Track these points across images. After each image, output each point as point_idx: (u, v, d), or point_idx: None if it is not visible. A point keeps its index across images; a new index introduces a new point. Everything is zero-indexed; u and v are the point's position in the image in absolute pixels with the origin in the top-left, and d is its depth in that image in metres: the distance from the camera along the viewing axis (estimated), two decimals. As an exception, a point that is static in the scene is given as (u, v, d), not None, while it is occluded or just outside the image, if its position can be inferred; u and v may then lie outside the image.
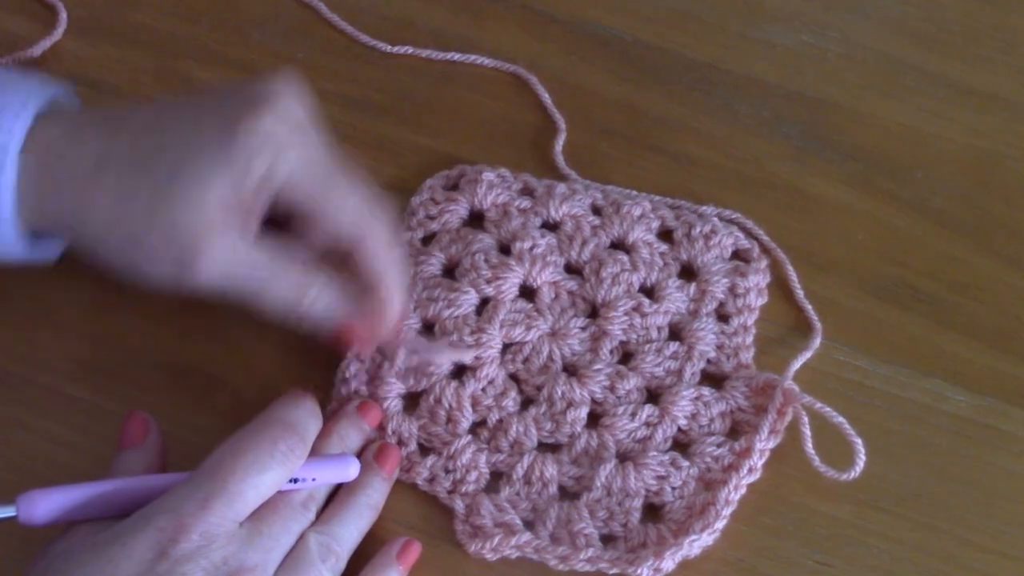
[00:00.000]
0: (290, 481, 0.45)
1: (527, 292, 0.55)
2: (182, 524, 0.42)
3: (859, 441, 0.50)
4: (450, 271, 0.56)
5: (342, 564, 0.46)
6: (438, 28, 0.64)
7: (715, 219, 0.57)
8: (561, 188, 0.57)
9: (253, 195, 0.46)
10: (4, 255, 0.48)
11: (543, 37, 0.64)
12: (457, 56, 0.63)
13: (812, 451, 0.50)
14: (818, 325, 0.55)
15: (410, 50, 0.63)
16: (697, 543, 0.48)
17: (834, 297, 0.56)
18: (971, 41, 0.65)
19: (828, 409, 0.50)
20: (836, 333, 0.55)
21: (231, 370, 0.53)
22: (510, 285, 0.54)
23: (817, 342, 0.54)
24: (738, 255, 0.57)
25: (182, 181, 0.45)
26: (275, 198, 0.47)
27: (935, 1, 0.67)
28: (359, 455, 0.49)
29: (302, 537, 0.45)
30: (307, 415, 0.47)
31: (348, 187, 0.48)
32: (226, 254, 0.46)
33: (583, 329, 0.54)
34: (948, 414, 0.53)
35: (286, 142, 0.46)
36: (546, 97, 0.61)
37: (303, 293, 0.48)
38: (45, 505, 0.43)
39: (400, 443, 0.51)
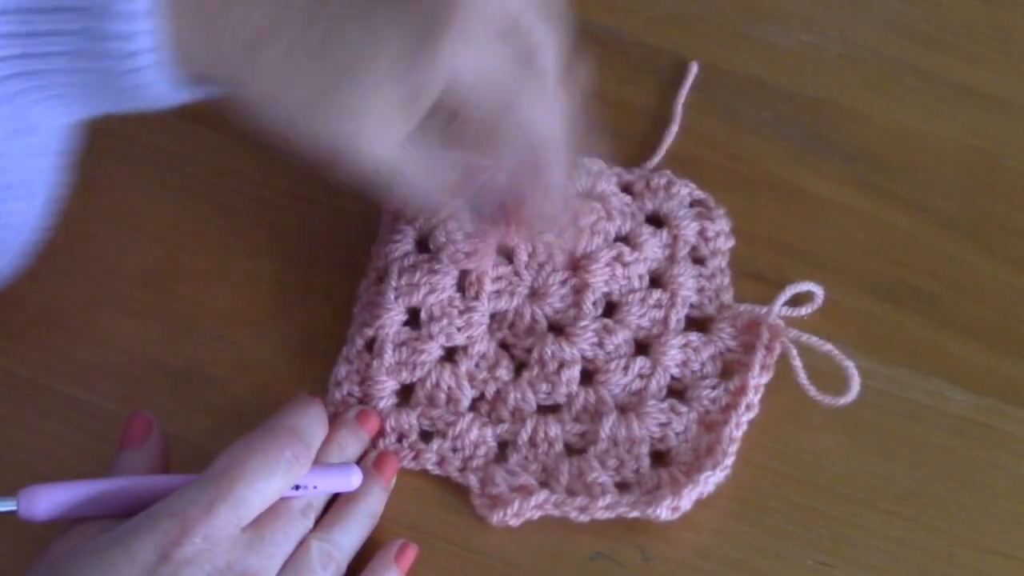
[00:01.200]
0: (292, 488, 0.45)
1: (505, 256, 0.54)
2: (186, 527, 0.42)
3: (851, 364, 0.51)
4: (423, 244, 0.55)
5: (342, 571, 0.46)
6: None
7: (668, 172, 0.57)
8: None
9: (425, 104, 0.44)
10: (153, 99, 0.43)
11: (543, 37, 0.64)
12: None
13: (805, 381, 0.51)
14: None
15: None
16: (712, 479, 0.49)
17: (834, 297, 0.56)
18: (971, 41, 0.65)
19: (815, 339, 0.51)
20: (836, 333, 0.55)
21: (229, 371, 0.53)
22: (488, 248, 0.53)
23: (809, 287, 0.54)
24: (696, 205, 0.57)
25: (358, 80, 0.42)
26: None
27: (935, 1, 0.66)
28: (358, 463, 0.49)
29: (303, 543, 0.45)
30: (314, 422, 0.47)
31: (530, 103, 0.45)
32: (386, 148, 0.44)
33: (563, 284, 0.54)
34: (948, 414, 0.53)
35: (468, 61, 0.43)
36: None
37: (446, 203, 0.48)
38: (47, 501, 0.43)
39: (401, 437, 0.51)
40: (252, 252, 0.55)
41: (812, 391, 0.51)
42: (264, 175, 0.58)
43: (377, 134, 0.44)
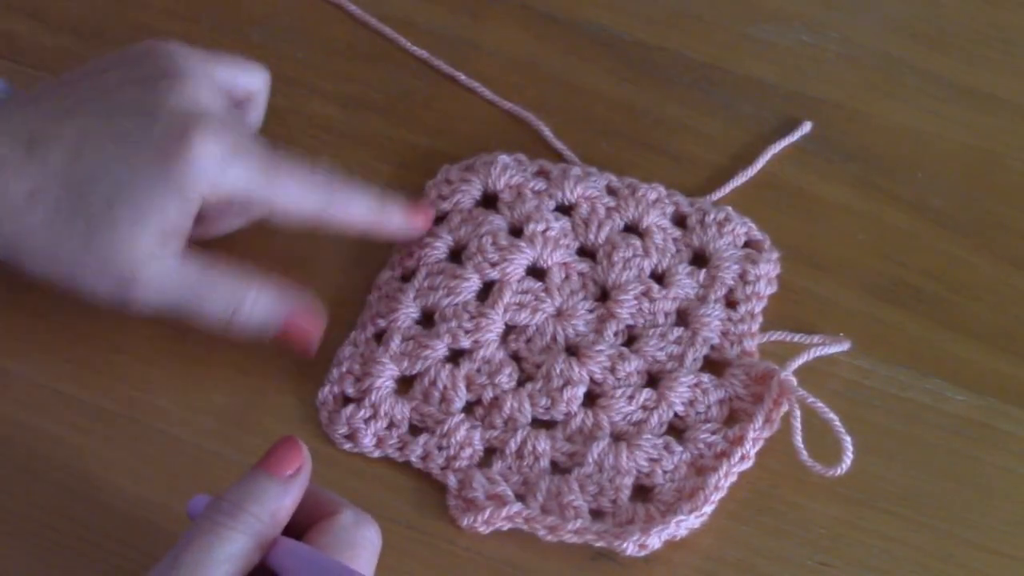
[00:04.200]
0: None
1: (537, 273, 0.55)
2: None
3: (848, 438, 0.50)
4: (457, 255, 0.56)
5: None
6: (438, 28, 0.64)
7: (729, 208, 0.57)
8: (576, 170, 0.57)
9: (190, 215, 0.47)
10: None
11: (543, 37, 0.64)
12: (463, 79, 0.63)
13: (800, 444, 0.50)
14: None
15: (425, 53, 0.63)
16: (684, 524, 0.48)
17: (834, 297, 0.56)
18: (971, 41, 0.65)
19: (820, 404, 0.50)
20: (836, 333, 0.55)
21: (227, 371, 0.53)
22: (516, 267, 0.54)
23: (836, 349, 0.54)
24: (750, 245, 0.57)
25: (119, 213, 0.46)
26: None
27: (935, 1, 0.66)
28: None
29: None
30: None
31: (292, 176, 0.49)
32: (162, 277, 0.47)
33: (590, 311, 0.54)
34: (948, 414, 0.53)
35: (222, 162, 0.47)
36: (546, 132, 0.61)
37: (240, 301, 0.48)
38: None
39: (391, 425, 0.51)
40: (252, 252, 0.54)
41: (804, 455, 0.50)
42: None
43: (149, 265, 0.47)
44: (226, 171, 0.47)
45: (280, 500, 0.41)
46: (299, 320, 0.50)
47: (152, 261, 0.47)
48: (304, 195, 0.49)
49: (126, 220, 0.46)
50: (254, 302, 0.49)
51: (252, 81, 0.53)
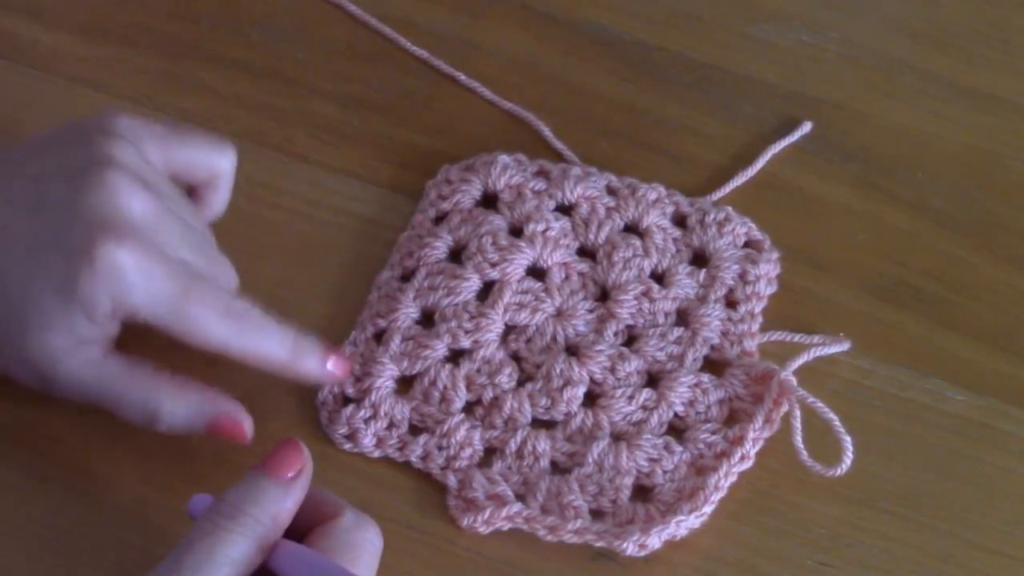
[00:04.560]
0: None
1: (537, 273, 0.55)
2: None
3: (848, 439, 0.50)
4: (457, 254, 0.56)
5: None
6: (438, 28, 0.64)
7: (729, 208, 0.57)
8: (576, 170, 0.57)
9: (101, 326, 0.46)
10: None
11: (543, 37, 0.64)
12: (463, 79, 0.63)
13: (800, 445, 0.50)
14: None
15: (425, 53, 0.63)
16: (684, 524, 0.48)
17: (834, 297, 0.56)
18: (971, 41, 0.65)
19: (820, 404, 0.50)
20: (835, 333, 0.55)
21: (227, 371, 0.53)
22: (516, 267, 0.54)
23: (836, 349, 0.54)
24: (750, 245, 0.57)
25: (29, 319, 0.45)
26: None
27: (935, 1, 0.67)
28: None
29: None
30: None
31: (204, 303, 0.46)
32: (80, 377, 0.46)
33: (590, 311, 0.54)
34: (948, 414, 0.53)
35: (127, 281, 0.44)
36: (546, 132, 0.61)
37: (156, 407, 0.47)
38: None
39: (391, 425, 0.51)
40: (252, 252, 0.54)
41: (804, 456, 0.50)
42: (263, 174, 0.58)
43: (66, 363, 0.46)
44: (131, 291, 0.44)
45: (281, 503, 0.41)
46: (223, 421, 0.48)
47: (68, 360, 0.46)
48: (214, 326, 0.46)
49: (35, 326, 0.45)
50: (171, 410, 0.47)
51: (217, 163, 0.51)
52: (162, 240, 0.46)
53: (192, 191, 0.51)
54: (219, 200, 0.52)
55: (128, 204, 0.45)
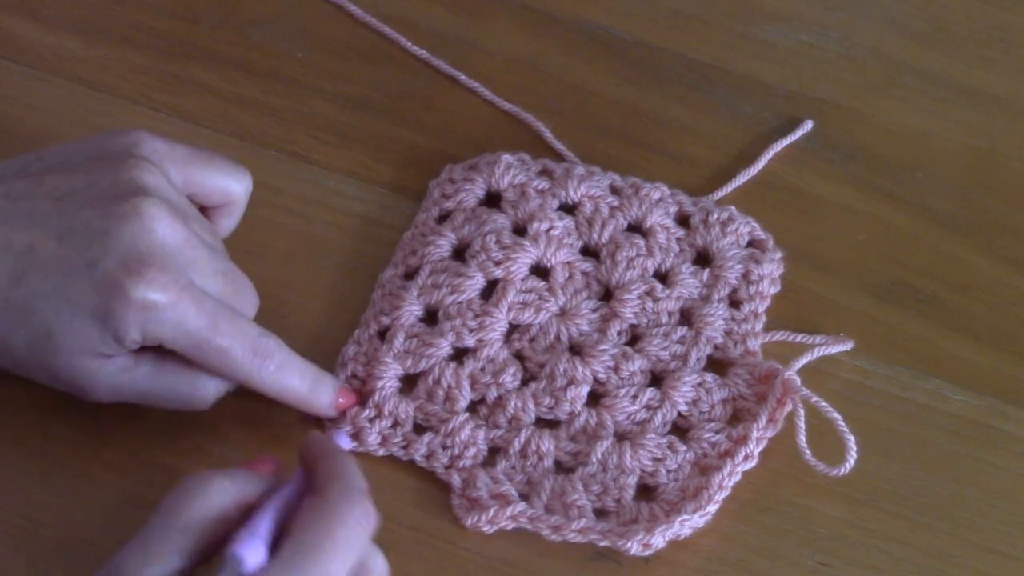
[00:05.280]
0: None
1: (541, 272, 0.55)
2: None
3: (851, 438, 0.50)
4: (460, 253, 0.56)
5: None
6: (438, 28, 0.64)
7: (732, 208, 0.57)
8: (580, 169, 0.57)
9: (129, 347, 0.46)
10: None
11: (543, 37, 0.64)
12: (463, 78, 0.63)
13: (804, 444, 0.50)
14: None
15: (425, 53, 0.63)
16: (688, 523, 0.49)
17: (834, 297, 0.56)
18: (971, 41, 0.65)
19: (824, 404, 0.50)
20: (836, 333, 0.55)
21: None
22: (519, 266, 0.54)
23: (839, 349, 0.54)
24: (753, 245, 0.57)
25: (59, 343, 0.45)
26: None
27: (935, 1, 0.67)
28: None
29: None
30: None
31: (231, 338, 0.47)
32: (113, 381, 0.47)
33: (594, 311, 0.54)
34: (948, 414, 0.53)
35: (157, 314, 0.45)
36: (546, 132, 0.61)
37: (192, 393, 0.48)
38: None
39: (396, 424, 0.51)
40: (253, 252, 0.54)
41: (808, 455, 0.50)
42: (263, 174, 0.58)
43: (97, 377, 0.46)
44: (162, 327, 0.45)
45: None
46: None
47: (100, 374, 0.46)
48: (239, 362, 0.47)
49: (65, 350, 0.45)
50: (206, 389, 0.48)
51: (235, 190, 0.51)
52: (192, 270, 0.46)
53: (202, 211, 0.51)
54: (229, 224, 0.52)
55: (162, 236, 0.45)
